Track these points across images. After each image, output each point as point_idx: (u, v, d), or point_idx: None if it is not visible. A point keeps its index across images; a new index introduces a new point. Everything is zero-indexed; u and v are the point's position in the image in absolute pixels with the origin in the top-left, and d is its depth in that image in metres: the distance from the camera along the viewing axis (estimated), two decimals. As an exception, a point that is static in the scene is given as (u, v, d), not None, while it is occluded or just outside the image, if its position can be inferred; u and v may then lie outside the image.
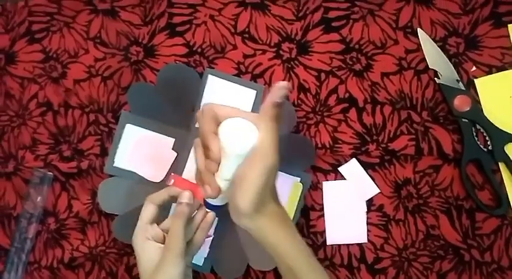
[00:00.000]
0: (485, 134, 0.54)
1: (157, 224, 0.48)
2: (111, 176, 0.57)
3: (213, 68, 0.57)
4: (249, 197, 0.40)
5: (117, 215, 0.56)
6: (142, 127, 0.56)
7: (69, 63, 0.59)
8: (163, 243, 0.45)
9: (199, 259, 0.55)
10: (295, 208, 0.55)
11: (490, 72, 0.55)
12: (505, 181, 0.54)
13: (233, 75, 0.57)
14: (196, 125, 0.56)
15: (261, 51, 0.57)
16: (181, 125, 0.56)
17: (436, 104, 0.55)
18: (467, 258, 0.54)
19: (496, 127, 0.53)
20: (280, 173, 0.55)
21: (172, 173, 0.52)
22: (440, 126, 0.55)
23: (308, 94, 0.57)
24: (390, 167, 0.55)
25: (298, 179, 0.55)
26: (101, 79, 0.59)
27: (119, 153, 0.56)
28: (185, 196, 0.46)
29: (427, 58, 0.55)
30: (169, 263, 0.43)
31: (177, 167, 0.56)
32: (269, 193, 0.42)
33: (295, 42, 0.57)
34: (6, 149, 0.59)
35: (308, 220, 0.56)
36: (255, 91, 0.55)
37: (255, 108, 0.55)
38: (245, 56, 0.57)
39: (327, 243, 0.55)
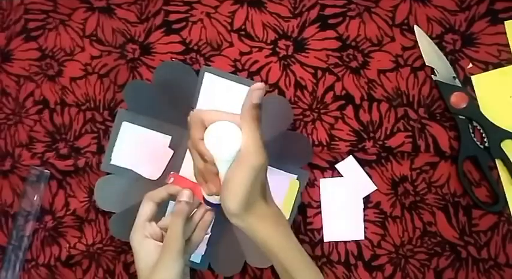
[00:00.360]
0: (481, 131, 0.54)
1: (155, 222, 0.48)
2: (108, 174, 0.57)
3: (210, 66, 0.57)
4: (236, 198, 0.40)
5: (114, 212, 0.56)
6: (138, 125, 0.56)
7: (65, 61, 0.59)
8: (161, 241, 0.45)
9: (196, 256, 0.55)
10: (292, 205, 0.55)
11: (486, 69, 0.55)
12: (501, 178, 0.54)
13: (230, 72, 0.57)
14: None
15: (257, 49, 0.57)
16: (177, 123, 0.56)
17: (433, 101, 0.55)
18: (464, 255, 0.54)
19: (493, 124, 0.53)
20: (277, 170, 0.55)
21: (172, 172, 0.52)
22: (436, 123, 0.55)
23: (305, 91, 0.56)
24: (387, 164, 0.55)
25: (295, 176, 0.55)
26: (97, 77, 0.59)
27: (115, 151, 0.56)
28: (185, 194, 0.46)
29: (423, 56, 0.55)
30: (168, 261, 0.43)
31: (173, 164, 0.56)
32: (258, 192, 0.42)
33: (291, 39, 0.57)
34: (2, 147, 0.59)
35: (305, 217, 0.56)
36: (252, 89, 0.55)
37: (252, 106, 0.55)
38: (241, 53, 0.57)
39: (324, 241, 0.55)
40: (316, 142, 0.56)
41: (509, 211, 0.54)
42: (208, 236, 0.55)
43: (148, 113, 0.56)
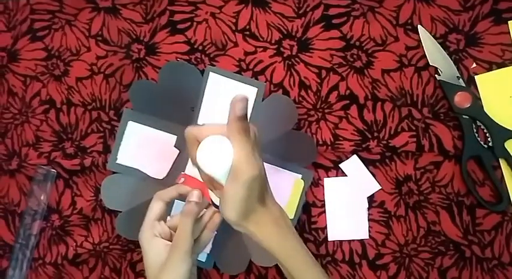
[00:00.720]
0: (485, 130, 0.54)
1: (164, 221, 0.48)
2: (114, 173, 0.57)
3: (214, 65, 0.57)
4: (233, 211, 0.41)
5: (120, 211, 0.57)
6: (144, 125, 0.57)
7: (71, 60, 0.60)
8: (170, 240, 0.46)
9: (202, 255, 0.56)
10: (296, 205, 0.55)
11: (490, 69, 0.55)
12: (505, 177, 0.54)
13: (234, 72, 0.57)
14: (198, 122, 0.56)
15: (261, 48, 0.58)
16: (183, 122, 0.56)
17: (437, 101, 0.55)
18: (468, 254, 0.54)
19: (497, 123, 0.54)
20: (281, 169, 0.55)
21: (182, 172, 0.52)
22: (440, 122, 0.55)
23: (309, 91, 0.57)
24: (391, 164, 0.55)
25: (300, 176, 0.55)
26: (103, 77, 0.59)
27: (121, 150, 0.56)
28: (194, 195, 0.46)
29: (427, 55, 0.55)
30: (176, 261, 0.43)
31: (179, 164, 0.56)
32: (256, 200, 0.42)
33: (295, 39, 0.57)
34: (9, 147, 0.60)
35: (310, 216, 0.56)
36: (256, 89, 0.56)
37: (257, 105, 0.55)
38: (246, 53, 0.58)
39: (329, 240, 0.56)
40: (321, 142, 0.56)
41: (513, 210, 0.54)
42: (214, 234, 0.55)
43: (154, 113, 0.56)
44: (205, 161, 0.41)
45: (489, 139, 0.54)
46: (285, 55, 0.57)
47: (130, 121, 0.57)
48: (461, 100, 0.54)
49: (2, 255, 0.60)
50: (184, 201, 0.46)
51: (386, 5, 0.56)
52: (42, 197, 0.59)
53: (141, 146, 0.57)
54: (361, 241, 0.56)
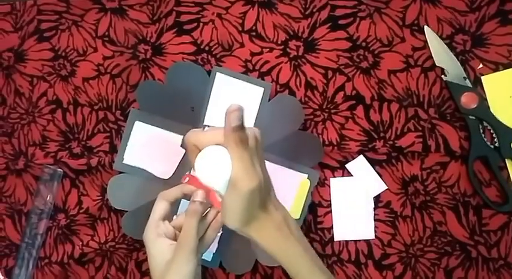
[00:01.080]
0: (492, 131, 0.54)
1: (168, 221, 0.48)
2: (120, 173, 0.57)
3: (221, 66, 0.58)
4: (233, 219, 0.41)
5: (126, 211, 0.57)
6: (151, 125, 0.57)
7: (78, 61, 0.60)
8: (174, 240, 0.46)
9: (208, 255, 0.56)
10: (302, 205, 0.55)
11: (496, 70, 0.55)
12: (511, 178, 0.54)
13: (240, 72, 0.57)
14: (205, 123, 0.56)
15: (268, 49, 0.58)
16: (189, 122, 0.56)
17: (443, 101, 0.55)
18: (474, 255, 0.54)
19: (503, 124, 0.54)
20: (287, 170, 0.56)
21: (187, 172, 0.52)
22: (447, 123, 0.55)
23: (315, 91, 0.57)
24: (397, 164, 0.55)
25: (306, 176, 0.55)
26: (110, 77, 0.59)
27: (128, 150, 0.57)
28: (199, 195, 0.46)
29: (433, 56, 0.55)
30: (181, 260, 0.43)
31: (185, 164, 0.56)
32: (257, 207, 0.42)
33: (302, 40, 0.57)
34: (16, 147, 0.60)
35: (316, 216, 0.56)
36: (263, 89, 0.56)
37: (263, 105, 0.56)
38: (252, 54, 0.58)
39: (335, 239, 0.56)
40: (327, 142, 0.56)
41: (519, 211, 0.54)
42: (219, 234, 0.56)
43: (160, 113, 0.57)
44: (203, 173, 0.41)
45: (495, 139, 0.54)
46: (291, 56, 0.57)
47: (137, 121, 0.57)
48: (467, 100, 0.54)
49: (8, 254, 0.60)
50: (189, 200, 0.46)
51: (392, 5, 0.56)
52: (48, 197, 0.59)
53: (148, 146, 0.57)
54: (367, 241, 0.56)
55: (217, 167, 0.40)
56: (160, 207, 0.47)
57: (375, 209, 0.55)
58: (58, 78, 0.60)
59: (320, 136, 0.56)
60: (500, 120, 0.54)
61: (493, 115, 0.54)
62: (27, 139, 0.60)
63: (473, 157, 0.54)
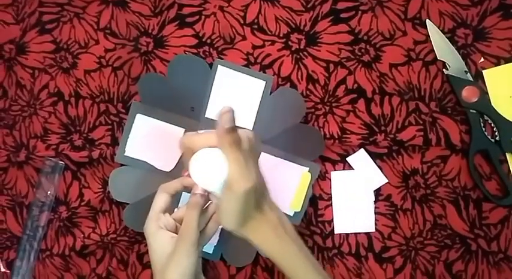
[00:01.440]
0: (493, 125, 0.54)
1: (169, 213, 0.48)
2: (122, 165, 0.57)
3: (222, 59, 0.58)
4: (229, 220, 0.42)
5: (128, 203, 0.57)
6: (152, 117, 0.57)
7: (79, 53, 0.60)
8: (175, 232, 0.46)
9: (209, 247, 0.56)
10: (303, 198, 0.55)
11: (498, 64, 0.55)
12: (512, 172, 0.54)
13: (242, 65, 0.57)
14: (206, 115, 0.56)
15: (270, 42, 0.58)
16: (190, 115, 0.57)
17: (444, 95, 0.55)
18: (474, 248, 0.55)
19: (504, 118, 0.54)
20: (288, 163, 0.56)
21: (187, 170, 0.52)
22: (448, 116, 0.55)
23: (317, 85, 0.57)
24: (398, 158, 0.56)
25: (307, 169, 0.55)
26: (111, 70, 0.59)
27: (129, 143, 0.57)
28: (199, 187, 0.46)
29: (435, 50, 0.55)
30: (182, 253, 0.43)
31: (187, 156, 0.57)
32: (252, 208, 0.42)
33: (304, 33, 0.57)
34: (17, 139, 0.60)
35: (316, 209, 0.56)
36: (264, 82, 0.56)
37: (264, 98, 0.56)
38: (254, 47, 0.58)
39: (335, 232, 0.56)
40: (328, 135, 0.56)
41: (519, 204, 0.54)
42: (220, 227, 0.56)
43: (162, 105, 0.57)
44: (198, 175, 0.41)
45: (496, 133, 0.54)
46: (293, 49, 0.57)
47: (139, 114, 0.57)
48: (468, 94, 0.54)
49: (9, 247, 0.60)
50: (189, 193, 0.46)
51: (394, -1, 0.56)
52: (50, 189, 0.59)
53: (149, 139, 0.57)
54: (368, 234, 0.56)
55: (212, 169, 0.40)
56: (160, 199, 0.47)
57: (375, 202, 0.56)
58: (60, 70, 0.60)
59: (321, 129, 0.56)
60: (501, 114, 0.54)
61: (494, 109, 0.54)
62: (28, 131, 0.60)
63: (474, 150, 0.54)
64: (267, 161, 0.55)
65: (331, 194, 0.56)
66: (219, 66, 0.56)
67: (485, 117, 0.54)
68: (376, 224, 0.56)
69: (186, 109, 0.57)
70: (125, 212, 0.57)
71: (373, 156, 0.56)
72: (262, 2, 0.58)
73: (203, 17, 0.58)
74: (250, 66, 0.58)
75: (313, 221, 0.56)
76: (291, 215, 0.55)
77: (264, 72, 0.57)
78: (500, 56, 0.55)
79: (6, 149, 0.60)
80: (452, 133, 0.55)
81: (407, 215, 0.55)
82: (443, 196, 0.55)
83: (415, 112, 0.56)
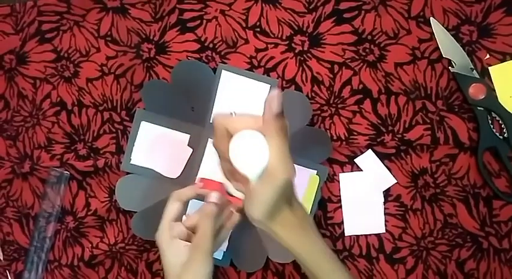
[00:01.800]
0: (501, 122, 0.54)
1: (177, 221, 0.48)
2: (127, 173, 0.57)
3: (226, 63, 0.57)
4: (260, 210, 0.39)
5: (135, 212, 0.56)
6: (157, 124, 0.56)
7: (81, 62, 0.59)
8: (187, 240, 0.45)
9: (218, 253, 0.56)
10: (312, 201, 0.55)
11: (504, 60, 0.54)
12: (521, 168, 0.54)
13: (246, 69, 0.57)
14: (211, 121, 0.56)
15: (273, 45, 0.57)
16: (196, 121, 0.56)
17: (451, 93, 0.55)
18: (486, 246, 0.54)
19: (512, 114, 0.53)
20: (296, 166, 0.55)
21: (200, 177, 0.52)
22: (455, 114, 0.55)
23: (322, 86, 0.56)
24: (406, 158, 0.55)
25: (315, 171, 0.55)
26: (114, 77, 0.59)
27: (135, 150, 0.56)
28: (214, 196, 0.46)
29: (440, 47, 0.55)
30: (199, 262, 0.43)
31: (193, 162, 0.56)
32: (284, 202, 0.41)
33: (307, 34, 0.57)
34: (21, 150, 0.60)
35: (325, 211, 0.56)
36: (269, 85, 0.55)
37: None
38: (257, 50, 0.57)
39: (345, 235, 0.56)
40: (335, 137, 0.56)
41: (530, 201, 0.54)
42: (230, 232, 0.55)
43: (167, 112, 0.56)
44: (239, 158, 0.38)
45: (504, 130, 0.54)
46: (296, 51, 0.57)
47: (143, 121, 0.56)
48: (475, 91, 0.54)
49: (17, 259, 0.60)
50: (199, 200, 0.46)
51: (397, -3, 0.56)
52: (56, 200, 0.58)
53: (155, 146, 0.56)
54: (378, 235, 0.55)
55: (254, 154, 0.38)
56: (173, 207, 0.47)
57: (384, 203, 0.55)
58: (61, 79, 0.59)
59: (328, 131, 0.56)
60: (509, 110, 0.53)
61: (502, 105, 0.54)
62: (32, 142, 0.60)
63: (483, 148, 0.54)
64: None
65: (340, 196, 0.56)
66: (223, 71, 0.56)
67: (493, 114, 0.54)
68: (386, 225, 0.55)
69: (190, 115, 0.56)
70: (132, 221, 0.56)
71: (381, 157, 0.55)
72: (263, 5, 0.57)
73: (204, 21, 0.58)
74: (254, 70, 0.57)
75: (322, 224, 0.56)
76: (301, 218, 0.55)
77: (268, 75, 0.57)
78: (505, 52, 0.55)
79: (10, 160, 0.60)
80: (460, 131, 0.55)
81: (418, 215, 0.55)
82: (453, 194, 0.55)
83: (422, 111, 0.55)
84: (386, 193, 0.55)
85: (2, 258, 0.60)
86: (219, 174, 0.44)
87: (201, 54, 0.58)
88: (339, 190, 0.56)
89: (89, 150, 0.59)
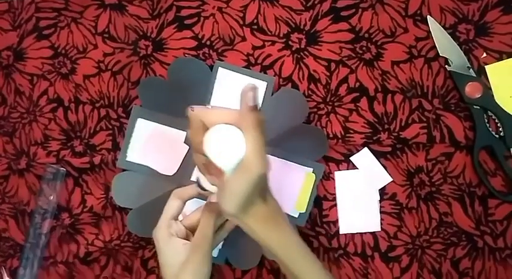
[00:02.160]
0: (497, 120, 0.54)
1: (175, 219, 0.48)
2: (123, 170, 0.57)
3: (223, 61, 0.57)
4: (233, 203, 0.39)
5: (131, 209, 0.56)
6: (153, 121, 0.56)
7: (78, 58, 0.59)
8: (185, 239, 0.45)
9: (214, 251, 0.56)
10: (308, 198, 0.55)
11: (500, 59, 0.54)
12: (517, 167, 0.54)
13: (243, 67, 0.57)
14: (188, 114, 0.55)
15: (270, 42, 0.57)
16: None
17: (447, 91, 0.55)
18: (481, 245, 0.54)
19: (508, 113, 0.53)
20: (292, 164, 0.55)
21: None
22: (451, 113, 0.55)
23: (318, 84, 0.56)
24: (402, 156, 0.55)
25: (311, 169, 0.55)
26: (111, 74, 0.59)
27: (131, 147, 0.56)
28: (216, 197, 0.45)
29: (437, 46, 0.55)
30: (198, 262, 0.43)
31: (189, 160, 0.56)
32: (257, 195, 0.41)
33: (304, 32, 0.57)
34: (18, 146, 0.60)
35: (321, 209, 0.56)
36: (266, 83, 0.55)
37: (266, 99, 0.55)
38: (254, 48, 0.57)
39: (340, 233, 0.56)
40: (331, 135, 0.56)
41: (525, 200, 0.54)
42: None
43: (163, 109, 0.56)
44: (214, 150, 0.39)
45: (500, 129, 0.54)
46: (293, 49, 0.57)
47: (140, 118, 0.56)
48: (472, 90, 0.54)
49: (12, 255, 0.60)
50: (203, 200, 0.45)
51: (394, -4, 0.56)
52: (51, 196, 0.58)
53: (151, 143, 0.56)
54: (373, 234, 0.55)
55: (229, 146, 0.38)
56: (173, 206, 0.46)
57: (380, 201, 0.55)
58: (58, 76, 0.59)
59: (324, 129, 0.56)
60: (505, 109, 0.53)
61: (498, 104, 0.54)
62: (28, 138, 0.60)
63: (479, 147, 0.54)
64: (271, 162, 0.54)
65: (335, 194, 0.56)
66: (219, 68, 0.56)
67: (489, 113, 0.54)
68: (381, 223, 0.55)
69: (186, 114, 0.56)
70: (128, 218, 0.56)
71: (377, 155, 0.55)
72: (261, 2, 0.57)
73: (202, 18, 0.58)
74: (250, 67, 0.57)
75: (318, 222, 0.56)
76: (296, 216, 0.55)
77: (265, 73, 0.57)
78: (502, 51, 0.55)
79: (6, 157, 0.60)
80: (456, 130, 0.55)
81: (413, 213, 0.55)
82: (448, 193, 0.55)
83: (418, 109, 0.55)
84: (382, 191, 0.55)
85: (-3, 255, 0.60)
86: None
87: (198, 52, 0.58)
88: (335, 188, 0.56)
89: (85, 147, 0.59)
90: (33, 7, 0.60)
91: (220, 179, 0.40)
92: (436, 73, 0.55)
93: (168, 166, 0.56)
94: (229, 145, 0.38)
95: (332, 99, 0.56)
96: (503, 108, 0.53)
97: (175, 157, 0.56)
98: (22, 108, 0.60)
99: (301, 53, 0.57)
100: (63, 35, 0.60)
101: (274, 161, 0.55)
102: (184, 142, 0.56)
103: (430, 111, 0.55)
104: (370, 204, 0.55)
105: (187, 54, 0.58)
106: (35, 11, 0.60)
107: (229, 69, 0.56)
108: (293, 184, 0.55)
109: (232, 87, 0.56)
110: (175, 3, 0.58)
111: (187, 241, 0.45)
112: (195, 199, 0.50)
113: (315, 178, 0.55)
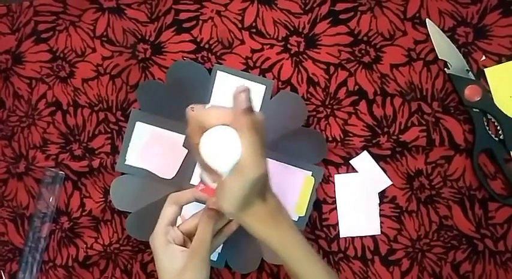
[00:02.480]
0: (496, 123, 0.54)
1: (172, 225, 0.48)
2: (122, 174, 0.57)
3: (221, 64, 0.57)
4: (231, 203, 0.39)
5: (130, 212, 0.56)
6: (152, 125, 0.56)
7: (76, 62, 0.59)
8: (183, 245, 0.45)
9: (213, 254, 0.55)
10: (307, 202, 0.55)
11: (499, 61, 0.54)
12: (516, 170, 0.54)
13: (241, 70, 0.57)
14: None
15: (268, 46, 0.57)
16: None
17: (447, 94, 0.55)
18: (481, 248, 0.54)
19: (507, 116, 0.53)
20: (291, 167, 0.55)
21: (200, 180, 0.52)
22: (451, 116, 0.55)
23: (317, 87, 0.56)
24: (402, 159, 0.55)
25: (310, 172, 0.55)
26: (109, 78, 0.59)
27: (130, 151, 0.56)
28: (214, 202, 0.45)
29: (436, 49, 0.55)
30: (196, 268, 0.42)
31: (188, 163, 0.56)
32: (256, 195, 0.41)
33: (303, 35, 0.57)
34: (16, 150, 0.60)
35: (321, 213, 0.56)
36: (265, 86, 0.55)
37: (265, 102, 0.55)
38: (253, 51, 0.57)
39: (340, 236, 0.55)
40: (330, 138, 0.56)
41: (525, 203, 0.54)
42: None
43: (162, 113, 0.56)
44: (210, 153, 0.39)
45: (500, 132, 0.53)
46: (292, 52, 0.57)
47: (138, 122, 0.56)
48: (471, 93, 0.54)
49: (11, 259, 0.59)
50: (201, 204, 0.45)
51: (393, -1, 0.56)
52: (50, 200, 0.58)
53: (150, 147, 0.56)
54: (373, 237, 0.55)
55: (226, 150, 0.38)
56: (170, 211, 0.46)
57: (380, 204, 0.55)
58: (57, 79, 0.59)
59: (323, 132, 0.56)
60: (504, 112, 0.53)
61: (497, 107, 0.53)
62: (27, 142, 0.60)
63: (478, 150, 0.54)
64: (270, 166, 0.54)
65: (335, 197, 0.56)
66: (218, 71, 0.56)
67: (489, 116, 0.54)
68: (381, 226, 0.55)
69: (185, 115, 0.56)
70: (127, 221, 0.56)
71: (377, 158, 0.55)
72: (259, 6, 0.57)
73: (200, 21, 0.58)
74: (249, 71, 0.57)
75: (318, 226, 0.56)
76: (296, 220, 0.55)
77: (264, 76, 0.57)
78: (501, 54, 0.54)
79: (5, 160, 0.60)
80: (455, 133, 0.54)
81: (413, 216, 0.55)
82: (448, 196, 0.55)
83: (417, 112, 0.55)
84: (382, 195, 0.55)
85: (-4, 259, 0.60)
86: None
87: (197, 55, 0.58)
88: (334, 191, 0.56)
89: (84, 150, 0.59)
90: (31, 11, 0.60)
91: (219, 179, 0.40)
92: (435, 76, 0.55)
93: (167, 170, 0.56)
94: (224, 147, 0.38)
95: (331, 102, 0.56)
96: (502, 110, 0.53)
97: (174, 161, 0.56)
98: (21, 112, 0.60)
99: (300, 56, 0.57)
100: (61, 39, 0.59)
101: (273, 165, 0.55)
102: (183, 146, 0.56)
103: (429, 114, 0.55)
104: (370, 207, 0.55)
105: (185, 57, 0.58)
106: (34, 15, 0.60)
107: (228, 73, 0.56)
108: (292, 187, 0.55)
109: (231, 90, 0.54)
110: (173, 6, 0.58)
111: (185, 248, 0.44)
112: (194, 202, 0.50)
113: (314, 181, 0.55)
